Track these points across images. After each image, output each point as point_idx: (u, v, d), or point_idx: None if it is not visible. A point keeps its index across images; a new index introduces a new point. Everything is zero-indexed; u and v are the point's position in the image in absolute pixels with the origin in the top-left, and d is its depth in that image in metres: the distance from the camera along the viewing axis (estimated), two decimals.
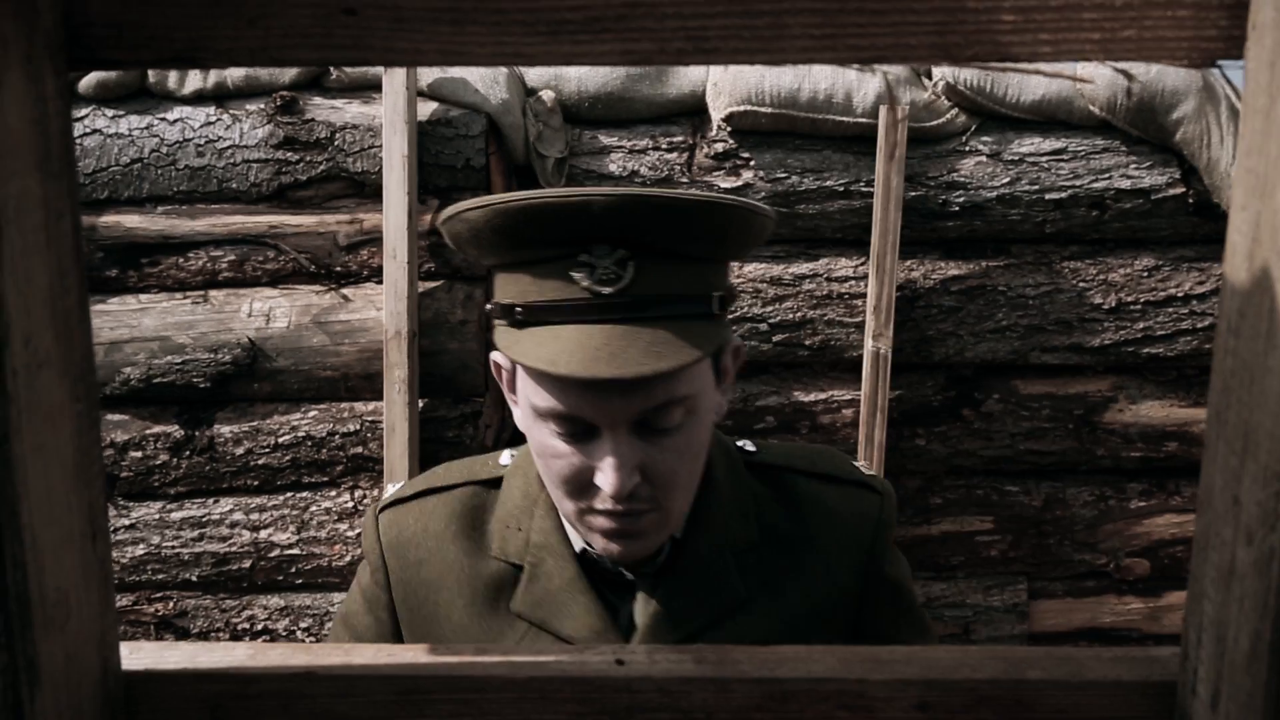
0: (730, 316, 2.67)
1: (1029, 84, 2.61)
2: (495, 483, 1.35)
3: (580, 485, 1.15)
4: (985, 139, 2.64)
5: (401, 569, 1.32)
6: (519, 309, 1.12)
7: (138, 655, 0.47)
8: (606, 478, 1.12)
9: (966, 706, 0.44)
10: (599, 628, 1.25)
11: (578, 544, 1.27)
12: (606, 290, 1.07)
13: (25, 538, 0.38)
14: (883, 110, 2.53)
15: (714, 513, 1.29)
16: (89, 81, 2.63)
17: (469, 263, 2.62)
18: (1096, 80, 2.57)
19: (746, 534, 1.30)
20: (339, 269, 2.65)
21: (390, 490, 1.44)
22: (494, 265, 1.18)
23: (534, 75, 2.71)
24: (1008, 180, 2.62)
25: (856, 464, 1.43)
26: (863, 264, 2.64)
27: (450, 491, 1.35)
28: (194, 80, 2.61)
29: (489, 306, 1.21)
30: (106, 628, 0.44)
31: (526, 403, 1.17)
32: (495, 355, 1.25)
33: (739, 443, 1.39)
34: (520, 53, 0.39)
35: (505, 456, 1.38)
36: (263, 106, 2.61)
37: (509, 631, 1.27)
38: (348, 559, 2.71)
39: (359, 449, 2.67)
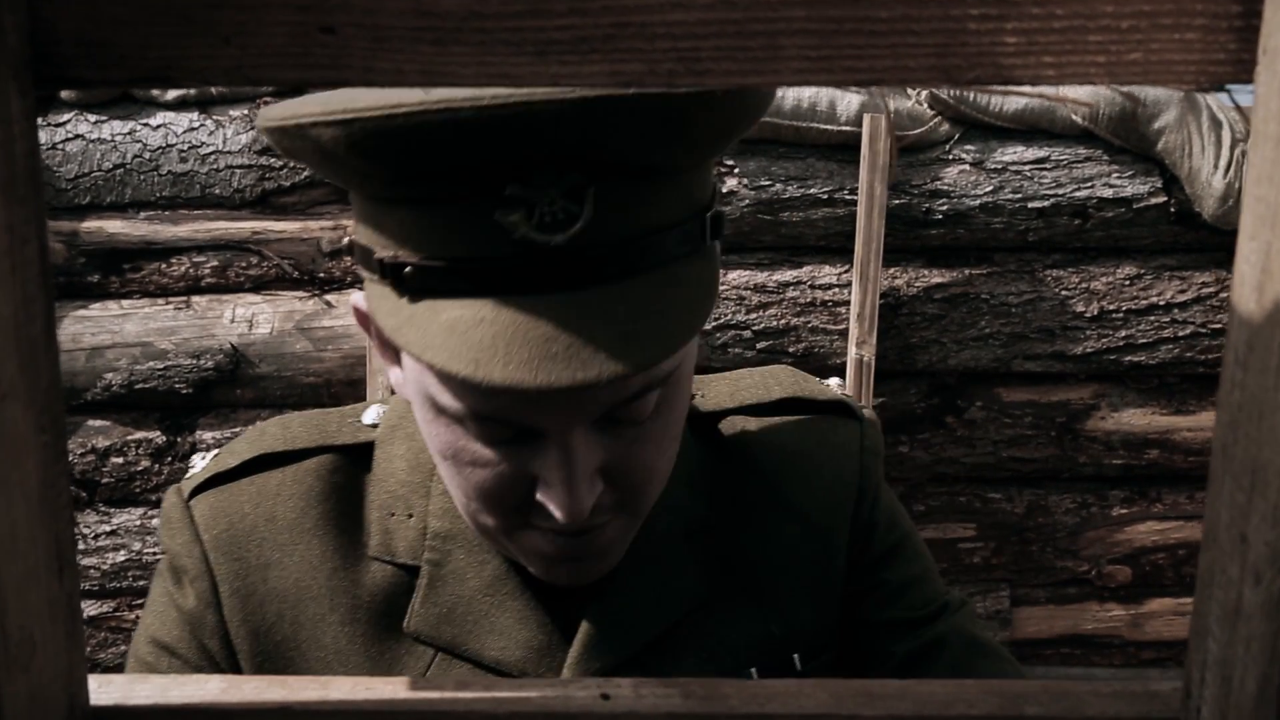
0: (713, 325, 2.66)
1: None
2: (362, 451, 0.96)
3: (512, 503, 0.82)
4: (968, 147, 2.64)
5: (237, 577, 0.91)
6: (409, 268, 0.73)
7: (106, 690, 0.45)
8: (557, 497, 0.78)
9: None
10: (538, 644, 0.91)
11: None
12: (555, 239, 0.69)
13: None
14: (866, 118, 2.53)
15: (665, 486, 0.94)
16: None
17: None
18: (1082, 91, 2.57)
19: (696, 509, 0.96)
20: (322, 275, 2.63)
21: (198, 465, 1.00)
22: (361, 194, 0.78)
23: None
24: (991, 189, 2.62)
25: (826, 384, 1.08)
26: (846, 272, 2.64)
27: (300, 463, 0.95)
28: None
29: (349, 239, 0.82)
30: (74, 664, 0.43)
31: (421, 392, 0.80)
32: (357, 300, 0.87)
33: None
34: (506, 74, 0.38)
35: (370, 413, 0.99)
36: (246, 112, 2.60)
37: (407, 660, 0.91)
38: None
39: None
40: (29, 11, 0.38)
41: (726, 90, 0.65)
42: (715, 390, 1.04)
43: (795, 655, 0.97)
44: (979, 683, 0.44)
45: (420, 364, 0.76)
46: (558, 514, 0.78)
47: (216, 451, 1.00)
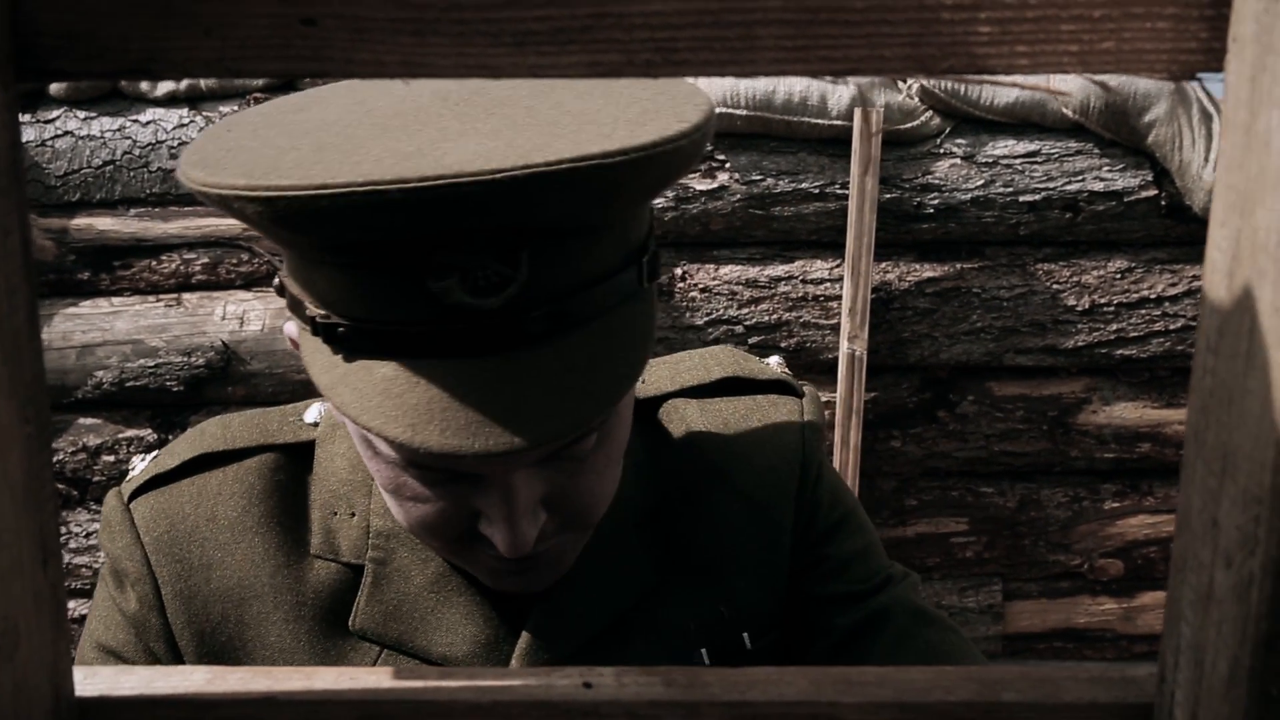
0: (705, 320, 2.67)
1: (1003, 87, 2.62)
2: (303, 450, 0.96)
3: (455, 534, 0.83)
4: (959, 141, 2.64)
5: (179, 579, 0.91)
6: (342, 329, 0.72)
7: (92, 681, 0.46)
8: (499, 534, 0.79)
9: None
10: (485, 639, 0.92)
11: None
12: (489, 302, 0.68)
13: None
14: (857, 113, 2.53)
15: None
16: (60, 83, 2.60)
17: None
18: (1069, 84, 2.57)
19: (643, 499, 0.97)
20: None
21: (138, 467, 1.00)
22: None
23: None
24: (982, 183, 2.62)
25: (766, 362, 1.09)
26: (838, 266, 2.64)
27: (241, 462, 0.95)
28: (166, 82, 2.59)
29: (278, 280, 0.79)
30: (59, 655, 0.43)
31: (358, 432, 0.81)
32: (290, 330, 0.83)
33: None
34: (485, 64, 0.38)
35: (312, 411, 0.98)
36: (236, 108, 2.59)
37: (353, 658, 0.91)
38: None
39: None
40: (10, 4, 0.38)
41: (660, 152, 0.67)
42: (655, 374, 1.04)
43: (745, 634, 0.97)
44: (957, 669, 0.45)
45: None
46: (501, 549, 0.79)
47: (156, 453, 0.99)
